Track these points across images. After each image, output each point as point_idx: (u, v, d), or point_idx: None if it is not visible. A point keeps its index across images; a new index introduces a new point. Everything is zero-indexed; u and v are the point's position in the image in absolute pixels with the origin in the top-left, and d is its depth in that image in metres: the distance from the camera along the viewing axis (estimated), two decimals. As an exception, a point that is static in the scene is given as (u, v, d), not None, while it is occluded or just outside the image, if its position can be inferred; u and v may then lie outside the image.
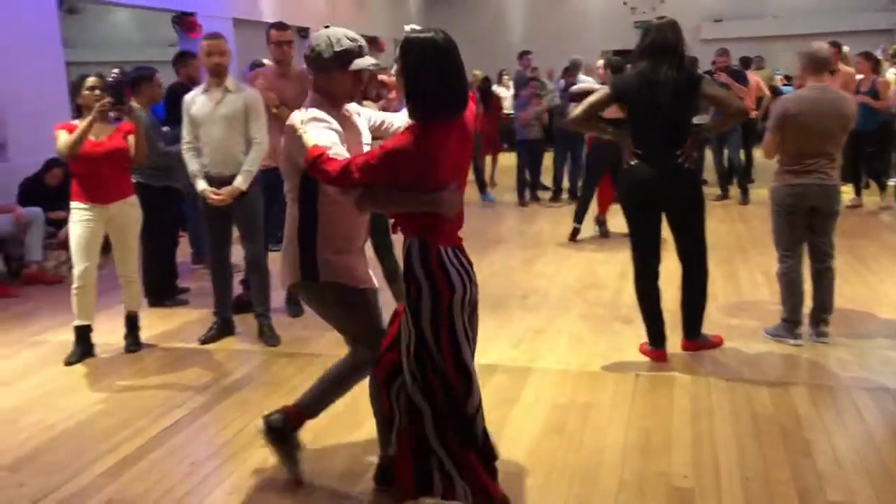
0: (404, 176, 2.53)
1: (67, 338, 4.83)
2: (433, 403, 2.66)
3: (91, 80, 4.61)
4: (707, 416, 3.64)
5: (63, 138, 4.51)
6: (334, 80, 2.76)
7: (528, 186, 10.11)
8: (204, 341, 4.93)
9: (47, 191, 6.88)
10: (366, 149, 2.84)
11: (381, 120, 3.10)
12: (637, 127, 4.15)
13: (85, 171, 4.59)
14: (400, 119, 3.08)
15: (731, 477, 3.08)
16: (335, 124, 2.70)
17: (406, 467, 2.73)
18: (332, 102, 2.80)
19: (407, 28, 2.66)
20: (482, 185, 10.47)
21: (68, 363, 4.61)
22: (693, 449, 3.32)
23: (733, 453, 3.27)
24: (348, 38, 2.75)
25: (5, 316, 5.71)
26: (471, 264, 2.72)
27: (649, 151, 4.10)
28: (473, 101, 2.73)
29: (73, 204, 4.64)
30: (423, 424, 2.68)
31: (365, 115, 3.04)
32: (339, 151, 2.60)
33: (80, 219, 4.61)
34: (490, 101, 10.88)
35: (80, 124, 4.52)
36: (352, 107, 2.96)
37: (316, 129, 2.63)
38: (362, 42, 2.79)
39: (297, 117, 2.70)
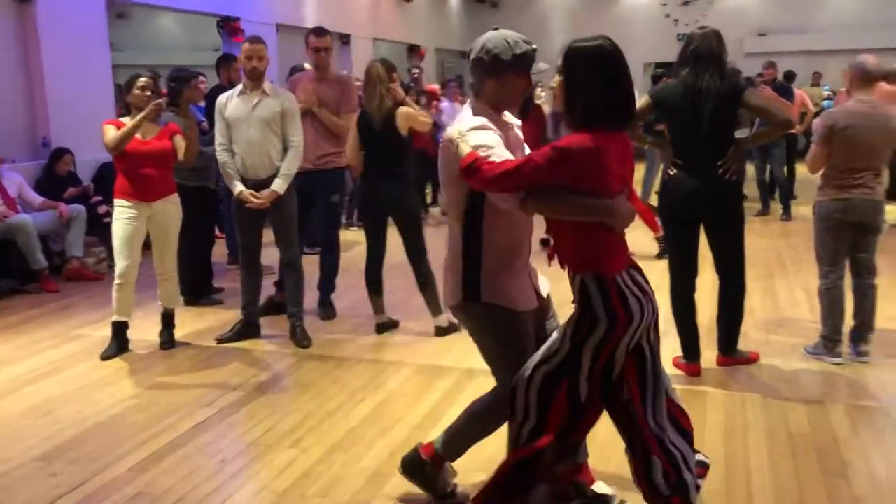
0: (570, 180, 2.36)
1: (105, 333, 4.91)
2: (545, 418, 2.50)
3: (143, 81, 4.70)
4: (741, 432, 3.56)
5: (111, 133, 4.60)
6: (508, 83, 2.61)
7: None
8: (221, 340, 4.97)
9: (58, 179, 7.05)
10: None
11: None
12: (678, 137, 4.09)
13: (130, 169, 4.67)
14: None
15: (764, 496, 3.01)
16: (498, 131, 2.55)
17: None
18: (496, 108, 2.65)
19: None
20: None
21: (104, 358, 4.69)
22: (726, 466, 3.25)
23: (767, 472, 3.19)
24: (525, 42, 2.62)
25: (46, 310, 5.83)
26: (647, 282, 2.53)
27: (690, 162, 4.04)
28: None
29: (117, 201, 4.73)
30: (522, 426, 2.54)
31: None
32: (501, 154, 2.44)
33: (123, 216, 4.69)
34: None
35: (130, 121, 4.61)
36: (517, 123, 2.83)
37: (475, 137, 2.48)
38: (535, 46, 2.66)
39: (455, 129, 2.54)
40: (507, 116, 2.76)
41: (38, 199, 6.73)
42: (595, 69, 2.40)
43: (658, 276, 6.15)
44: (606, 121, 2.40)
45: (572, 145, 2.35)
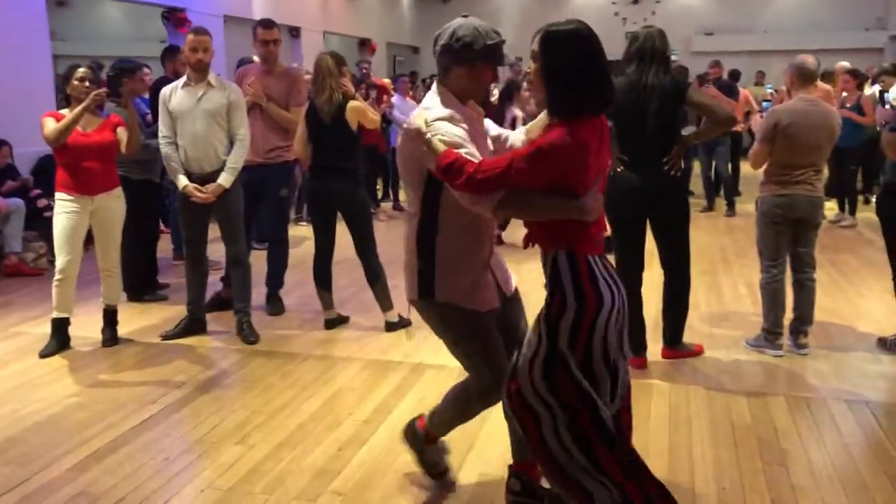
0: (556, 178, 2.28)
1: (44, 330, 4.77)
2: (568, 409, 2.34)
3: (81, 72, 4.57)
4: (685, 424, 3.63)
5: (51, 126, 4.47)
6: (476, 74, 2.54)
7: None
8: (165, 337, 4.88)
9: None
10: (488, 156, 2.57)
11: (497, 132, 2.85)
12: (623, 134, 4.13)
13: (72, 162, 4.55)
14: (515, 135, 2.83)
15: (706, 485, 3.07)
16: (463, 123, 2.47)
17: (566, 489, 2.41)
18: (462, 98, 2.58)
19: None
20: None
21: (43, 355, 4.56)
22: (670, 456, 3.31)
23: (710, 462, 3.26)
24: (494, 32, 2.55)
25: (-18, 307, 5.65)
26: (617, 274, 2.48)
27: (636, 159, 4.10)
28: None
29: (58, 195, 4.60)
30: (555, 425, 2.36)
31: (487, 126, 2.81)
32: (471, 152, 2.37)
33: (64, 210, 4.56)
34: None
35: (70, 114, 4.48)
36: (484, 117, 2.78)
37: (445, 129, 2.40)
38: (502, 36, 2.59)
39: (421, 117, 2.46)
40: (474, 107, 2.69)
41: (-27, 192, 6.52)
42: (574, 52, 2.32)
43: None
44: (589, 106, 2.33)
45: (555, 144, 2.26)
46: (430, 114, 2.47)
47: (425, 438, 2.97)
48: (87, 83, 4.54)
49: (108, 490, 3.05)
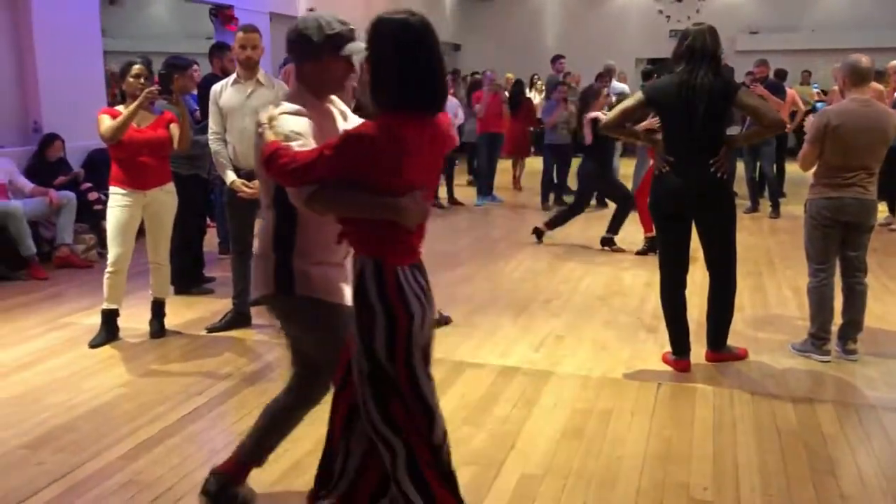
0: (367, 171, 2.19)
1: (93, 321, 4.88)
2: (400, 435, 2.32)
3: (137, 68, 4.66)
4: (730, 428, 3.58)
5: (107, 122, 4.56)
6: (324, 67, 2.49)
7: (552, 190, 10.08)
8: (211, 329, 4.96)
9: (48, 165, 7.00)
10: None
11: None
12: (670, 133, 4.10)
13: (126, 157, 4.64)
14: None
15: (752, 492, 3.03)
16: (314, 118, 2.45)
17: None
18: (317, 93, 2.54)
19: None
20: (488, 188, 10.45)
21: (93, 346, 4.66)
22: (714, 462, 3.27)
23: (755, 468, 3.21)
24: (339, 22, 2.50)
25: (35, 297, 5.79)
26: (428, 285, 2.39)
27: (682, 159, 4.05)
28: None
29: (113, 189, 4.70)
30: (394, 461, 2.33)
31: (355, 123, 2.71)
32: (309, 144, 2.32)
33: (119, 204, 4.66)
34: (520, 105, 10.88)
35: (125, 110, 4.57)
36: (351, 115, 2.71)
37: (286, 123, 2.37)
38: (353, 26, 2.53)
39: (268, 111, 2.43)
40: (337, 104, 2.65)
41: (28, 185, 6.68)
42: (398, 44, 2.21)
43: (649, 272, 6.19)
44: (412, 103, 2.22)
45: (363, 134, 2.18)
46: (276, 110, 2.42)
47: (234, 478, 2.82)
48: (142, 80, 4.63)
49: (155, 480, 3.11)
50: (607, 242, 7.42)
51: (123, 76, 4.68)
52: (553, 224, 7.71)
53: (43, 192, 6.62)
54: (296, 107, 2.44)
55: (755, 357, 4.47)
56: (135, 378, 4.22)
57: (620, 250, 7.29)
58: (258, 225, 2.62)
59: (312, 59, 2.49)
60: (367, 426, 2.36)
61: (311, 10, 2.45)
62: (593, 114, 7.13)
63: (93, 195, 6.97)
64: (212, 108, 4.78)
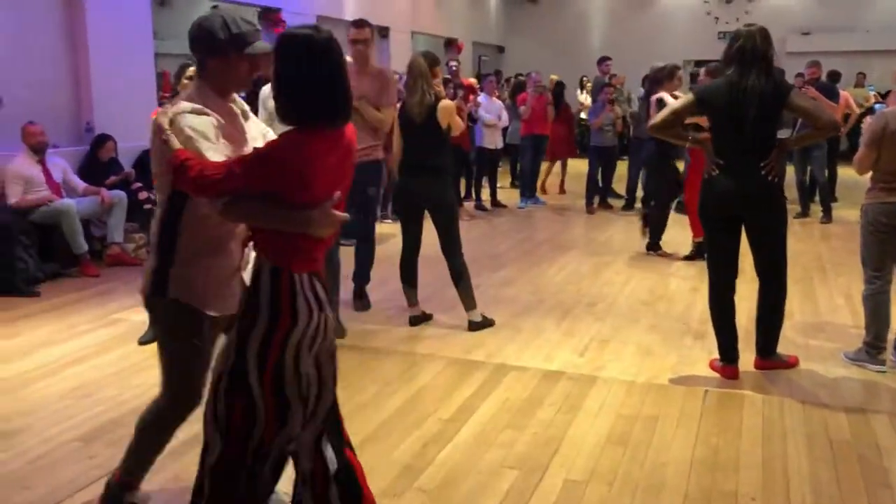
0: (276, 186, 2.25)
1: (143, 318, 4.94)
2: (225, 435, 2.38)
3: (191, 70, 4.75)
4: (779, 438, 3.50)
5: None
6: (229, 65, 2.48)
7: (598, 193, 9.99)
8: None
9: (100, 165, 7.15)
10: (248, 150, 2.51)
11: None
12: (720, 136, 4.03)
13: None
14: None
15: (803, 502, 2.96)
16: (213, 117, 2.43)
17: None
18: (219, 92, 2.52)
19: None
20: (532, 190, 10.38)
21: (142, 342, 4.75)
22: (764, 471, 3.20)
23: (807, 479, 3.14)
24: (245, 21, 2.50)
25: (86, 294, 5.93)
26: (327, 293, 2.43)
27: (732, 162, 3.98)
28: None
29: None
30: (204, 458, 2.43)
31: (259, 129, 2.71)
32: (207, 145, 2.35)
33: None
34: (561, 106, 10.81)
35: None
36: (252, 115, 2.72)
37: (186, 121, 2.36)
38: (258, 26, 2.55)
39: (168, 111, 2.40)
40: (238, 103, 2.64)
41: (81, 184, 6.84)
42: (299, 59, 2.26)
43: (695, 277, 6.09)
44: (322, 118, 2.28)
45: (271, 151, 2.25)
46: (176, 108, 2.40)
47: (127, 487, 2.81)
48: None
49: (202, 475, 3.15)
50: (653, 248, 7.33)
51: (179, 78, 4.81)
52: (654, 234, 7.37)
53: (95, 191, 6.78)
54: (194, 105, 2.42)
55: (806, 365, 4.37)
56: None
57: (667, 255, 7.19)
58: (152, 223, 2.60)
59: (218, 56, 2.47)
60: (206, 413, 2.41)
61: (214, 6, 2.41)
62: (660, 94, 6.98)
63: (143, 195, 7.10)
64: (261, 111, 4.83)
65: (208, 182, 2.23)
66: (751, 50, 3.95)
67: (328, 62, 2.28)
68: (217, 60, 2.49)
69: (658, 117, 4.19)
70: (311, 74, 2.25)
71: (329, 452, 2.50)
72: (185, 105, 2.43)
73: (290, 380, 2.35)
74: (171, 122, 2.36)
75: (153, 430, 2.74)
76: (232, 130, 2.51)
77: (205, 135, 2.37)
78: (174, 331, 2.58)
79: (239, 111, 2.65)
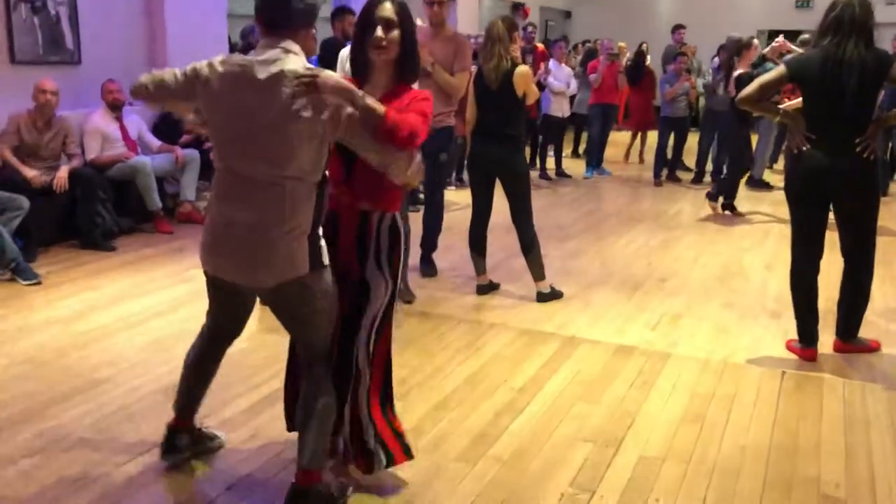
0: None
1: (216, 276, 5.05)
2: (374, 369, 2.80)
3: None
4: (862, 425, 3.40)
5: None
6: (313, 36, 2.56)
7: (667, 165, 9.77)
8: None
9: (174, 123, 7.20)
10: None
11: None
12: (814, 111, 3.86)
13: None
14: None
15: (890, 492, 2.87)
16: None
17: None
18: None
19: None
20: (599, 160, 10.22)
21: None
22: (847, 458, 3.11)
23: (893, 469, 3.04)
24: None
25: (160, 251, 6.06)
26: None
27: (825, 137, 3.82)
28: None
29: None
30: (358, 389, 2.75)
31: None
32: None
33: None
34: (642, 76, 10.53)
35: None
36: None
37: (331, 77, 2.34)
38: None
39: (305, 72, 2.33)
40: None
41: (156, 142, 6.96)
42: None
43: (769, 254, 5.93)
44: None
45: (429, 97, 2.60)
46: (305, 67, 2.35)
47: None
48: None
49: (280, 433, 3.20)
50: (728, 207, 7.74)
51: (245, 38, 4.78)
52: (727, 196, 7.80)
53: (170, 149, 6.89)
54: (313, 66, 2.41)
55: (888, 350, 4.23)
56: (255, 333, 4.34)
57: (740, 214, 7.59)
58: (261, 200, 2.44)
59: (312, 27, 2.55)
60: (362, 347, 2.74)
61: None
62: (740, 70, 7.35)
63: (215, 154, 7.19)
64: (340, 73, 4.81)
65: (417, 136, 2.45)
66: (848, 19, 3.77)
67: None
68: (310, 31, 2.54)
69: (747, 91, 4.03)
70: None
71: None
72: (306, 63, 2.39)
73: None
74: (363, 95, 2.38)
75: (332, 406, 2.65)
76: None
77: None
78: (332, 294, 2.59)
79: None
